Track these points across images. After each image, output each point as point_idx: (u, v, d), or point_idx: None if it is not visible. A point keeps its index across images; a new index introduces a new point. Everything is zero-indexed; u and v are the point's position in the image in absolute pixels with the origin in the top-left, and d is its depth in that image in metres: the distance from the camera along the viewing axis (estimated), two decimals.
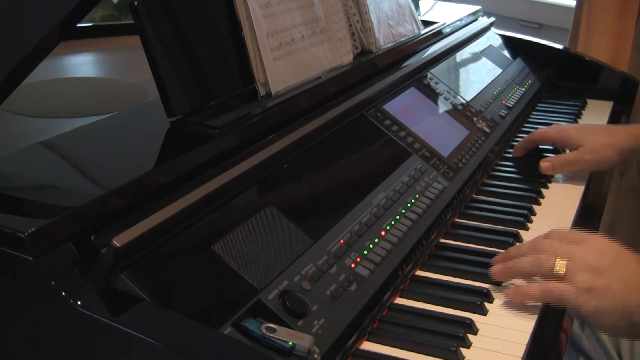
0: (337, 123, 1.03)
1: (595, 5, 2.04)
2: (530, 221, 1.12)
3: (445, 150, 1.18)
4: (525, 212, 1.13)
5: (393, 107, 1.17)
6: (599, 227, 1.26)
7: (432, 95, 1.32)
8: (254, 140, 0.89)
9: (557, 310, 0.91)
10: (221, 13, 0.95)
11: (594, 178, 1.33)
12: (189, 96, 0.89)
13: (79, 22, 0.86)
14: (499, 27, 1.86)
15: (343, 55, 1.16)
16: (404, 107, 1.21)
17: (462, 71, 1.52)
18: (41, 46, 0.81)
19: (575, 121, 1.59)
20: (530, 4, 2.88)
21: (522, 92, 1.60)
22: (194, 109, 0.89)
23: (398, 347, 0.80)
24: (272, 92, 0.99)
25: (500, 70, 1.62)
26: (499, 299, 0.90)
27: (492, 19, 1.84)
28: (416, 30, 1.43)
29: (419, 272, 0.96)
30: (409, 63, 1.32)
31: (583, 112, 1.66)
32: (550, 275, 0.86)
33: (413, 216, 0.98)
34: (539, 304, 0.88)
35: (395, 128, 1.13)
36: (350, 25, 1.22)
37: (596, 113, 1.65)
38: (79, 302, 0.63)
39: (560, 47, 1.84)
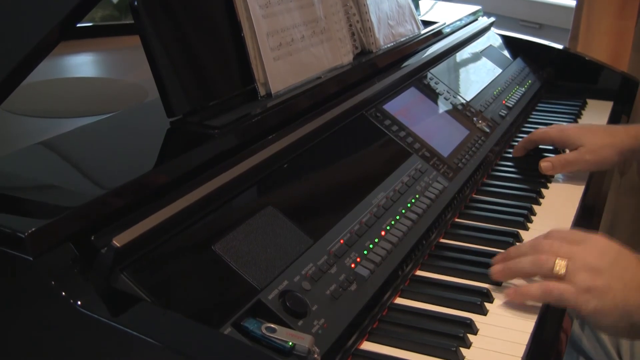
0: (337, 123, 1.03)
1: (595, 5, 2.04)
2: (530, 221, 1.12)
3: (445, 150, 1.18)
4: (525, 212, 1.13)
5: (393, 107, 1.18)
6: (599, 227, 1.26)
7: (432, 95, 1.32)
8: (254, 140, 0.89)
9: (557, 310, 0.91)
10: (221, 13, 0.95)
11: (594, 178, 1.33)
12: (189, 96, 0.89)
13: (79, 22, 0.85)
14: (499, 27, 1.86)
15: (343, 55, 1.17)
16: (404, 107, 1.21)
17: (462, 71, 1.52)
18: (41, 46, 0.81)
19: (576, 121, 1.59)
20: (530, 4, 2.88)
21: (522, 92, 1.60)
22: (194, 109, 0.89)
23: (398, 347, 0.80)
24: (272, 92, 0.99)
25: (500, 70, 1.62)
26: (499, 299, 0.90)
27: (492, 19, 1.84)
28: (416, 30, 1.43)
29: (419, 272, 0.96)
30: (409, 63, 1.32)
31: (583, 112, 1.66)
32: (550, 275, 0.86)
33: (413, 216, 0.98)
34: (539, 304, 0.88)
35: (395, 128, 1.13)
36: (350, 25, 1.22)
37: (596, 113, 1.65)
38: (79, 302, 0.63)
39: (560, 47, 1.84)
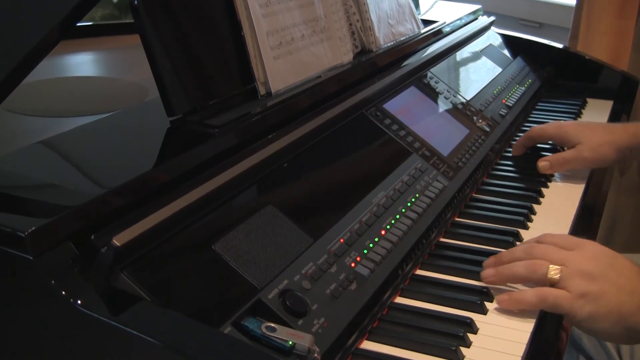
0: (337, 122, 1.03)
1: (595, 4, 2.04)
2: (531, 220, 1.12)
3: (445, 149, 1.18)
4: (525, 211, 1.13)
5: (393, 106, 1.17)
6: (599, 227, 1.26)
7: (432, 94, 1.32)
8: (254, 139, 0.89)
9: None
10: (221, 12, 0.95)
11: (594, 177, 1.33)
12: (189, 95, 0.89)
13: (79, 21, 0.85)
14: (499, 26, 1.86)
15: (343, 54, 1.16)
16: (404, 106, 1.21)
17: (462, 70, 1.52)
18: (41, 45, 0.81)
19: (576, 120, 1.59)
20: (530, 3, 2.88)
21: (522, 91, 1.60)
22: (194, 108, 0.89)
23: (398, 346, 0.80)
24: (272, 91, 0.99)
25: (500, 70, 1.62)
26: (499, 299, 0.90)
27: (492, 18, 1.84)
28: (416, 30, 1.43)
29: (419, 272, 0.96)
30: (409, 62, 1.32)
31: (583, 111, 1.66)
32: (544, 280, 0.86)
33: (413, 215, 0.98)
34: None
35: (395, 127, 1.13)
36: (350, 24, 1.22)
37: (596, 112, 1.65)
38: (79, 302, 0.63)
39: (560, 46, 1.84)
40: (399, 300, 0.89)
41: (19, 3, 0.82)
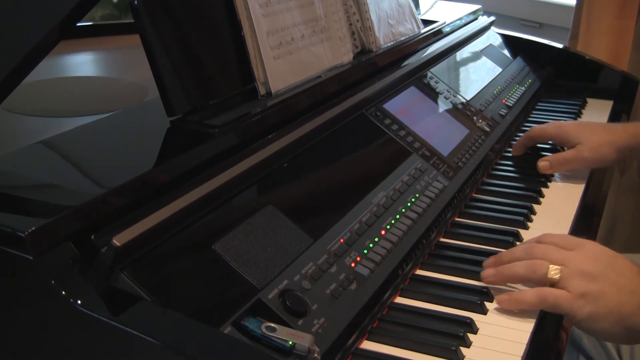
0: (337, 122, 1.03)
1: (595, 4, 2.04)
2: (531, 220, 1.12)
3: (445, 149, 1.18)
4: (525, 211, 1.13)
5: (393, 106, 1.17)
6: (599, 227, 1.26)
7: (432, 94, 1.32)
8: (254, 139, 0.89)
9: None
10: (221, 12, 0.95)
11: (594, 177, 1.33)
12: (189, 95, 0.89)
13: (79, 21, 0.85)
14: (499, 26, 1.86)
15: (343, 54, 1.16)
16: (404, 106, 1.21)
17: (462, 70, 1.52)
18: (41, 45, 0.81)
19: (576, 120, 1.59)
20: (530, 3, 2.88)
21: (522, 91, 1.60)
22: (194, 108, 0.89)
23: (398, 346, 0.80)
24: (272, 91, 0.99)
25: (500, 70, 1.62)
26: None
27: (492, 18, 1.84)
28: (416, 30, 1.43)
29: (419, 272, 0.96)
30: (409, 62, 1.32)
31: (583, 111, 1.66)
32: (544, 280, 0.86)
33: (413, 215, 0.98)
34: None
35: (395, 127, 1.13)
36: (350, 24, 1.22)
37: (596, 112, 1.65)
38: (79, 302, 0.63)
39: (560, 46, 1.84)
40: (399, 300, 0.89)
41: (19, 3, 0.82)
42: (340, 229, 0.87)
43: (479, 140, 1.29)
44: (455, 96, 1.36)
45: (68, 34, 0.83)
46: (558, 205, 1.18)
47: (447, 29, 1.56)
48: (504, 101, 1.50)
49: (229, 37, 0.96)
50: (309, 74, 1.07)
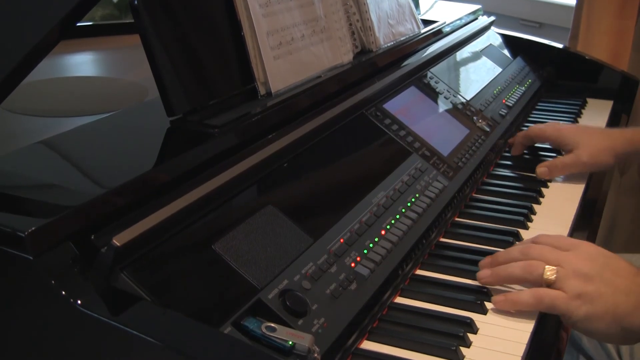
0: (337, 122, 1.03)
1: (595, 4, 2.04)
2: (531, 220, 1.12)
3: (445, 149, 1.18)
4: (525, 211, 1.13)
5: (393, 106, 1.17)
6: (599, 227, 1.26)
7: (432, 94, 1.32)
8: (254, 139, 0.89)
9: None
10: (221, 12, 0.95)
11: (594, 177, 1.33)
12: (189, 95, 0.89)
13: (79, 21, 0.85)
14: (499, 26, 1.86)
15: (343, 54, 1.16)
16: (404, 106, 1.21)
17: (462, 70, 1.52)
18: (41, 45, 0.81)
19: (576, 120, 1.59)
20: (530, 3, 2.88)
21: (522, 91, 1.60)
22: (194, 108, 0.89)
23: (398, 346, 0.80)
24: (272, 91, 0.99)
25: (500, 70, 1.62)
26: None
27: (492, 18, 1.84)
28: (416, 30, 1.43)
29: (419, 271, 0.96)
30: (409, 62, 1.32)
31: (583, 111, 1.66)
32: (540, 281, 0.86)
33: (413, 215, 0.98)
34: None
35: (395, 127, 1.13)
36: (350, 24, 1.22)
37: (596, 112, 1.65)
38: (79, 302, 0.63)
39: (560, 46, 1.84)
40: (399, 300, 0.89)
41: (19, 3, 0.82)
42: (340, 229, 0.87)
43: (479, 140, 1.29)
44: (455, 96, 1.36)
45: (68, 34, 0.83)
46: (558, 205, 1.18)
47: (447, 29, 1.56)
48: (504, 101, 1.50)
49: (229, 37, 0.96)
50: (309, 74, 1.07)
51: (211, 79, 0.93)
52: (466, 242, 1.04)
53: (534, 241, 0.93)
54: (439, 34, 1.51)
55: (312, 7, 1.10)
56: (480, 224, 1.09)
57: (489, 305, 0.88)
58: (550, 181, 1.27)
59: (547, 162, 1.28)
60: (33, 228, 0.64)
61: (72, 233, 0.66)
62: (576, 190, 1.24)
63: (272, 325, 0.69)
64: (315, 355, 0.68)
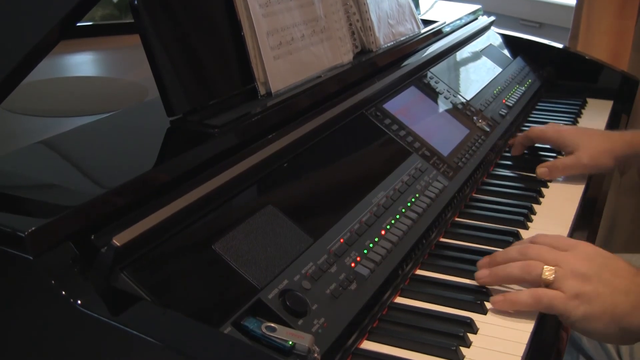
0: (337, 122, 1.03)
1: (595, 4, 2.04)
2: (531, 220, 1.12)
3: (445, 149, 1.18)
4: (525, 211, 1.13)
5: (393, 106, 1.17)
6: (599, 227, 1.26)
7: (432, 94, 1.32)
8: (254, 139, 0.89)
9: None
10: (221, 12, 0.95)
11: (594, 177, 1.33)
12: (189, 95, 0.89)
13: (79, 21, 0.85)
14: (499, 26, 1.86)
15: (343, 54, 1.16)
16: (404, 106, 1.21)
17: (462, 70, 1.52)
18: (41, 45, 0.81)
19: (576, 120, 1.59)
20: (530, 3, 2.88)
21: (522, 91, 1.60)
22: (194, 108, 0.89)
23: (398, 346, 0.80)
24: (272, 91, 0.99)
25: (500, 70, 1.62)
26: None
27: (492, 18, 1.84)
28: (416, 30, 1.43)
29: (419, 271, 0.96)
30: (409, 62, 1.32)
31: (583, 111, 1.66)
32: (539, 281, 0.86)
33: (413, 215, 0.98)
34: None
35: (395, 127, 1.13)
36: (350, 24, 1.22)
37: (596, 112, 1.65)
38: (79, 302, 0.63)
39: (560, 46, 1.84)
40: (399, 300, 0.89)
41: (19, 3, 0.82)
42: (340, 229, 0.87)
43: (479, 140, 1.29)
44: (455, 96, 1.36)
45: (68, 34, 0.83)
46: (558, 205, 1.18)
47: (447, 29, 1.56)
48: (504, 101, 1.50)
49: (229, 37, 0.96)
50: (309, 74, 1.07)
51: (211, 79, 0.93)
52: (466, 242, 1.04)
53: (533, 241, 0.93)
54: (439, 34, 1.51)
55: (312, 7, 1.10)
56: (480, 224, 1.09)
57: (488, 305, 0.88)
58: (550, 181, 1.27)
59: (548, 162, 1.28)
60: (33, 228, 0.64)
61: (72, 233, 0.66)
62: (576, 190, 1.24)
63: (272, 325, 0.69)
64: (315, 355, 0.68)
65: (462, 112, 1.33)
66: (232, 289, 0.72)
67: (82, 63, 1.51)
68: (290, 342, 0.67)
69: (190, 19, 0.92)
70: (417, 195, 1.03)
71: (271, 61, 0.99)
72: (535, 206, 1.16)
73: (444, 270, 0.96)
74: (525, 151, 1.37)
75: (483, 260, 0.93)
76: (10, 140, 1.03)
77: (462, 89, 1.41)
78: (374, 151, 1.07)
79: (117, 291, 0.66)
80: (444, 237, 1.05)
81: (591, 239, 1.17)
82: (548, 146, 1.36)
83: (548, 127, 1.35)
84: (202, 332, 0.63)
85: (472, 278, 0.93)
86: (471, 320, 0.84)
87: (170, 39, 0.88)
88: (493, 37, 1.78)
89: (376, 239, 0.90)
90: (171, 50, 0.88)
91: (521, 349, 0.81)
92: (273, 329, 0.68)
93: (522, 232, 1.07)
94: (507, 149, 1.38)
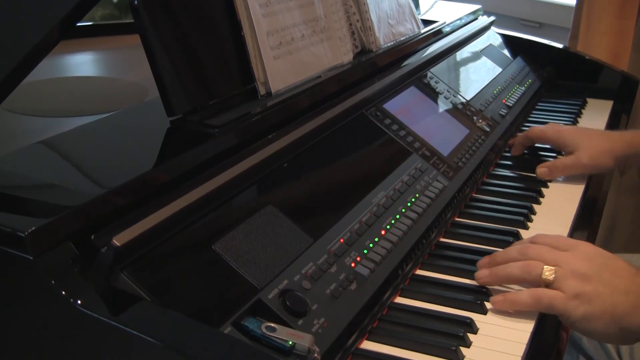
0: (337, 122, 1.03)
1: (595, 4, 2.04)
2: (531, 220, 1.12)
3: (445, 149, 1.18)
4: (525, 211, 1.13)
5: (393, 106, 1.17)
6: (599, 227, 1.26)
7: (432, 94, 1.32)
8: (254, 139, 0.89)
9: None
10: (221, 12, 0.95)
11: (594, 177, 1.33)
12: (189, 95, 0.89)
13: (79, 21, 0.85)
14: (499, 26, 1.86)
15: (343, 54, 1.16)
16: (404, 106, 1.21)
17: (462, 70, 1.52)
18: (41, 45, 0.81)
19: (576, 120, 1.59)
20: (530, 3, 2.88)
21: (522, 91, 1.60)
22: (194, 108, 0.89)
23: (398, 346, 0.80)
24: (272, 91, 0.99)
25: (500, 70, 1.62)
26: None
27: (492, 18, 1.84)
28: (416, 30, 1.43)
29: (419, 271, 0.96)
30: (409, 62, 1.32)
31: (583, 111, 1.66)
32: (539, 281, 0.86)
33: (413, 215, 0.98)
34: None
35: (395, 127, 1.13)
36: (350, 24, 1.22)
37: (596, 112, 1.65)
38: (79, 302, 0.63)
39: (560, 46, 1.84)
40: (399, 300, 0.89)
41: (19, 3, 0.82)
42: (340, 229, 0.87)
43: (479, 140, 1.29)
44: (455, 96, 1.36)
45: (68, 34, 0.83)
46: (558, 205, 1.18)
47: (447, 29, 1.56)
48: (504, 101, 1.50)
49: (229, 37, 0.96)
50: (309, 74, 1.07)
51: (211, 79, 0.93)
52: (466, 242, 1.04)
53: (532, 241, 0.93)
54: (439, 34, 1.51)
55: (312, 7, 1.10)
56: (480, 224, 1.09)
57: (488, 305, 0.88)
58: (550, 181, 1.27)
59: (548, 162, 1.28)
60: (33, 228, 0.64)
61: (72, 233, 0.66)
62: (576, 190, 1.24)
63: (272, 325, 0.69)
64: (315, 355, 0.68)
65: (462, 112, 1.33)
66: (232, 289, 0.72)
67: (82, 63, 1.51)
68: (290, 342, 0.67)
69: (190, 19, 0.92)
70: (417, 195, 1.03)
71: (271, 61, 0.99)
72: (535, 206, 1.16)
73: (444, 270, 0.96)
74: (525, 151, 1.37)
75: (483, 260, 0.93)
76: (10, 140, 1.03)
77: (462, 89, 1.41)
78: (374, 151, 1.07)
79: (117, 291, 0.66)
80: (444, 237, 1.05)
81: (591, 239, 1.17)
82: (548, 146, 1.36)
83: (548, 127, 1.35)
84: (202, 332, 0.63)
85: (472, 278, 0.93)
86: (471, 320, 0.84)
87: (170, 39, 0.88)
88: (493, 37, 1.78)
89: (376, 239, 0.90)
90: (171, 50, 0.88)
91: (521, 349, 0.81)
92: (273, 329, 0.68)
93: (522, 232, 1.07)
94: (507, 149, 1.38)
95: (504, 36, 1.82)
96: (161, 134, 0.88)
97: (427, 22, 1.54)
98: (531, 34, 2.00)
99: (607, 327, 0.83)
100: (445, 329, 0.82)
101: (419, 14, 1.52)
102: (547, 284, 0.85)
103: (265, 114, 0.93)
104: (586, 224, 1.17)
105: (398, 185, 1.01)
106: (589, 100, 1.72)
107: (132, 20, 0.85)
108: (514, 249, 0.92)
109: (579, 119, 1.61)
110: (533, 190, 1.21)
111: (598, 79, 1.76)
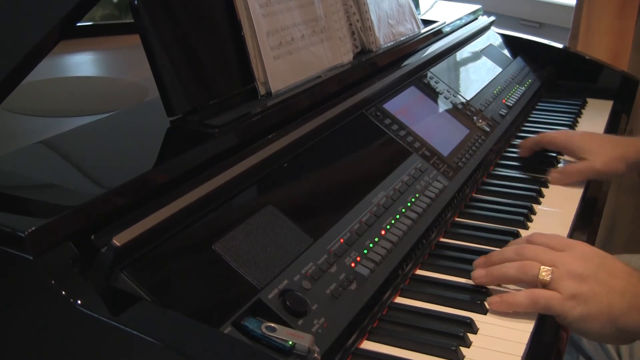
0: (337, 122, 1.03)
1: (595, 4, 2.04)
2: (531, 220, 1.12)
3: (445, 149, 1.18)
4: (525, 211, 1.13)
5: (393, 106, 1.17)
6: (599, 227, 1.25)
7: (432, 94, 1.32)
8: (254, 139, 0.89)
9: None
10: (221, 12, 0.95)
11: None
12: (189, 95, 0.89)
13: (79, 21, 0.85)
14: (499, 26, 1.86)
15: (343, 54, 1.16)
16: (404, 106, 1.21)
17: (462, 70, 1.52)
18: (41, 45, 0.81)
19: (576, 120, 1.59)
20: (530, 3, 2.88)
21: (522, 91, 1.60)
22: (194, 108, 0.89)
23: (398, 346, 0.80)
24: (272, 91, 0.99)
25: (500, 70, 1.62)
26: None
27: (492, 18, 1.84)
28: (416, 30, 1.43)
29: (419, 271, 0.96)
30: (409, 62, 1.32)
31: (583, 111, 1.66)
32: (535, 281, 0.86)
33: (413, 215, 0.98)
34: None
35: (395, 127, 1.13)
36: (350, 24, 1.22)
37: (596, 112, 1.65)
38: (79, 302, 0.63)
39: (560, 46, 1.84)
40: (399, 300, 0.89)
41: (19, 3, 0.82)
42: (340, 229, 0.87)
43: (479, 140, 1.29)
44: (455, 96, 1.36)
45: (68, 34, 0.83)
46: (558, 205, 1.18)
47: (447, 29, 1.56)
48: (504, 101, 1.50)
49: (229, 37, 0.96)
50: (309, 74, 1.07)
51: (211, 79, 0.93)
52: (466, 242, 1.04)
53: (529, 240, 0.93)
54: (439, 34, 1.51)
55: (312, 7, 1.10)
56: (480, 224, 1.09)
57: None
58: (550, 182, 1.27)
59: (560, 168, 1.28)
60: (33, 228, 0.64)
61: (72, 233, 0.66)
62: (576, 190, 1.24)
63: (272, 325, 0.69)
64: (315, 355, 0.68)
65: (462, 112, 1.33)
66: (232, 289, 0.72)
67: (82, 63, 1.51)
68: (290, 342, 0.67)
69: (190, 19, 0.92)
70: (417, 195, 1.03)
71: (271, 61, 0.99)
72: (535, 206, 1.16)
73: (444, 270, 0.96)
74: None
75: (479, 260, 0.93)
76: (10, 140, 1.03)
77: (462, 89, 1.41)
78: (374, 151, 1.07)
79: (117, 291, 0.66)
80: (444, 237, 1.05)
81: (591, 239, 1.17)
82: (553, 150, 1.35)
83: (560, 133, 1.35)
84: (202, 332, 0.63)
85: None
86: (471, 320, 0.84)
87: (170, 39, 0.88)
88: (493, 37, 1.78)
89: (376, 239, 0.90)
90: (171, 50, 0.88)
91: (521, 349, 0.81)
92: (273, 329, 0.68)
93: (522, 232, 1.07)
94: (507, 149, 1.38)
95: (504, 36, 1.82)
96: (161, 134, 0.88)
97: (427, 22, 1.54)
98: (531, 34, 2.00)
99: (603, 327, 0.83)
100: (445, 329, 0.82)
101: (419, 14, 1.52)
102: (544, 285, 0.85)
103: (265, 114, 0.93)
104: (586, 224, 1.17)
105: (398, 185, 1.01)
106: (589, 100, 1.72)
107: (132, 20, 0.85)
108: (510, 249, 0.92)
109: (578, 119, 1.61)
110: (533, 190, 1.21)
111: (598, 79, 1.76)
